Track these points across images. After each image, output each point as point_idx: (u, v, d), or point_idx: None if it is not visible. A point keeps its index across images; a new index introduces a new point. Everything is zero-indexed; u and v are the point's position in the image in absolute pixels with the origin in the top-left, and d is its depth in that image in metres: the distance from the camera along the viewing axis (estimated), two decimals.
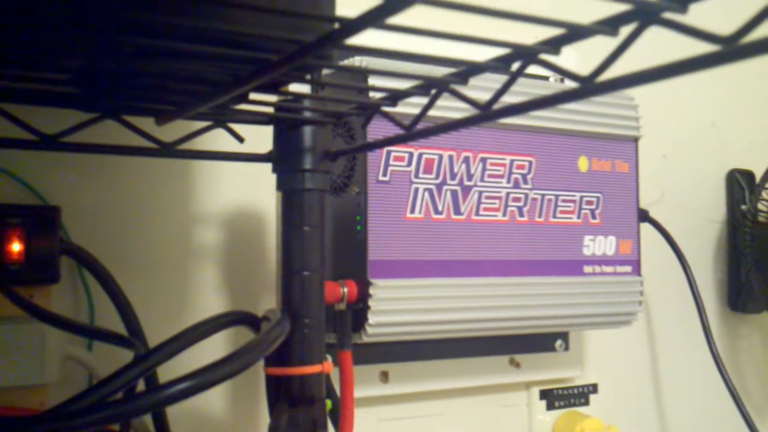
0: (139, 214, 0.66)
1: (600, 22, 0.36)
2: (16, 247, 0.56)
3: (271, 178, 0.56)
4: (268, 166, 0.57)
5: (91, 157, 0.64)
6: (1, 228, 0.55)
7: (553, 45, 0.39)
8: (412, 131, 0.48)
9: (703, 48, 0.31)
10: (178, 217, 0.68)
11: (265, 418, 0.69)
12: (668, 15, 0.34)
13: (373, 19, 0.30)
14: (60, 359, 0.58)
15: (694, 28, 0.32)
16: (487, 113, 0.42)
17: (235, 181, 0.70)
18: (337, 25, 0.32)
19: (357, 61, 0.63)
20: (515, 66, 0.41)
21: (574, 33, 0.37)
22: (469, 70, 0.44)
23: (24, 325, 0.57)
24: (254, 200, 0.71)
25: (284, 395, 0.55)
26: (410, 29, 0.36)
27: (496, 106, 0.42)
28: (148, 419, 0.61)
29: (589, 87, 0.37)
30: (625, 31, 0.35)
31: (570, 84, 0.81)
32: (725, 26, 0.32)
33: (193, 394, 0.42)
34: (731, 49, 0.31)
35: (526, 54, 0.40)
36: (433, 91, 0.46)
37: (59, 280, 0.57)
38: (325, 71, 0.67)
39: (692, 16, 0.34)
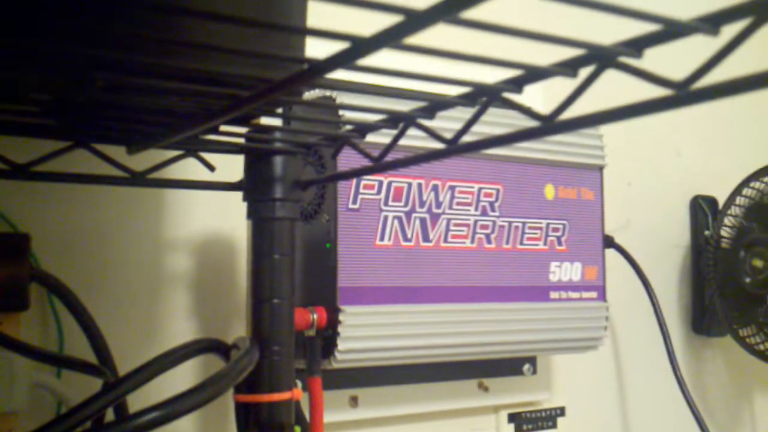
0: (109, 241, 0.67)
1: (559, 64, 0.38)
2: None
3: (242, 206, 0.57)
4: (239, 194, 0.58)
5: (62, 186, 0.64)
6: None
7: (516, 84, 0.40)
8: (380, 163, 0.49)
9: (659, 91, 0.33)
10: (149, 245, 0.68)
11: None
12: (624, 59, 0.35)
13: (341, 61, 0.31)
14: (28, 387, 0.58)
15: (649, 73, 0.34)
16: (452, 148, 0.44)
17: (206, 209, 0.71)
18: (306, 66, 0.33)
19: (327, 95, 0.64)
20: (480, 102, 0.42)
21: (535, 74, 0.39)
22: (435, 105, 0.45)
23: None
24: (225, 228, 0.72)
25: (253, 422, 0.55)
26: (378, 70, 0.37)
27: (462, 141, 0.44)
28: None
29: (549, 126, 0.38)
30: (585, 72, 0.37)
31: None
32: (683, 68, 0.33)
33: (162, 423, 0.42)
34: (683, 94, 0.32)
35: (490, 92, 0.41)
36: (401, 125, 0.47)
37: (28, 307, 0.57)
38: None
39: (648, 60, 0.36)
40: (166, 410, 0.42)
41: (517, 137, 0.40)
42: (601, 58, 0.36)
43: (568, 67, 0.37)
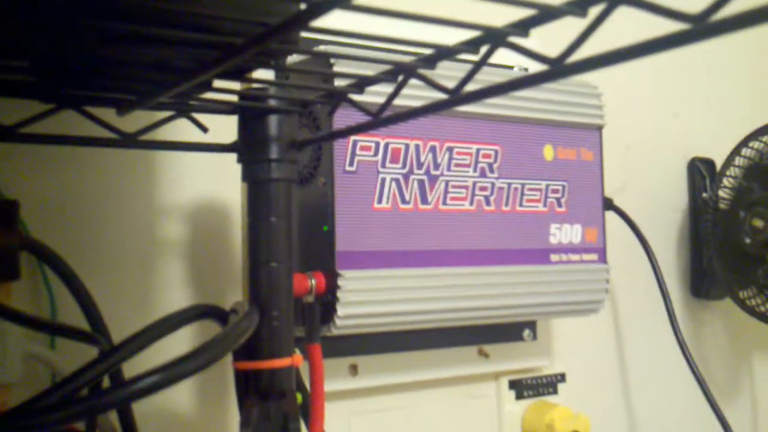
0: (101, 207, 0.65)
1: (569, 3, 0.36)
2: None
3: (236, 169, 0.55)
4: (233, 157, 0.56)
5: (51, 150, 0.62)
6: None
7: (523, 27, 0.39)
8: (380, 117, 0.48)
9: (674, 28, 0.31)
10: (142, 210, 0.67)
11: (234, 414, 0.68)
12: None
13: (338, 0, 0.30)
14: (21, 358, 0.57)
15: (664, 7, 0.32)
16: (455, 98, 0.42)
17: (199, 173, 0.69)
18: (303, 6, 0.31)
19: (323, 47, 0.63)
20: (483, 50, 0.41)
21: (544, 14, 0.37)
22: (437, 55, 0.43)
23: None
24: (219, 192, 0.70)
25: (254, 389, 0.54)
26: (377, 10, 0.35)
27: (464, 91, 0.42)
28: (114, 417, 0.59)
29: (558, 69, 0.36)
30: (594, 13, 0.35)
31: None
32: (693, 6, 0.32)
33: (159, 389, 0.41)
34: (702, 27, 0.31)
35: (495, 36, 0.40)
36: (401, 77, 0.46)
37: (19, 276, 0.56)
38: (290, 59, 0.66)
39: None
40: (164, 375, 0.41)
41: (525, 82, 0.39)
42: None
43: (577, 6, 0.36)
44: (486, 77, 0.68)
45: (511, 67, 0.82)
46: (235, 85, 0.51)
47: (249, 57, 0.37)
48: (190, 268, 0.69)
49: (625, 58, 0.33)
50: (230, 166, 0.56)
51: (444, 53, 0.43)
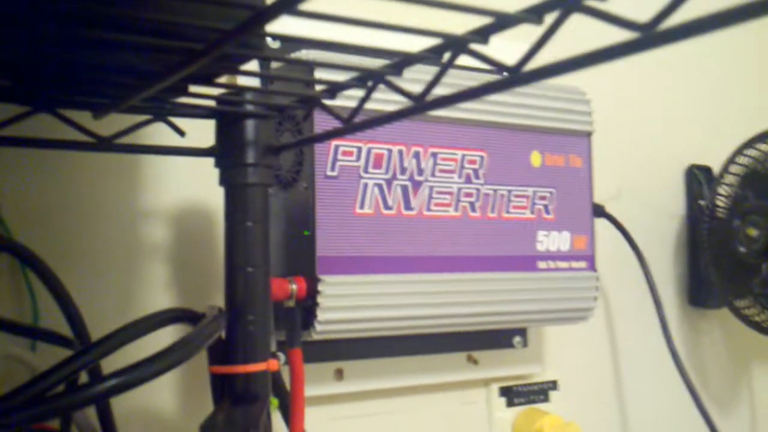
0: (84, 210, 0.65)
1: (525, 10, 0.36)
2: None
3: (217, 173, 0.56)
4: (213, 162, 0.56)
5: (32, 153, 0.62)
6: None
7: (482, 34, 0.39)
8: (351, 123, 0.48)
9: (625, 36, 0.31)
10: (124, 214, 0.67)
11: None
12: (590, 2, 0.33)
13: (287, 4, 0.30)
14: (1, 359, 0.57)
15: (614, 16, 0.32)
16: (420, 104, 0.42)
17: (182, 177, 0.69)
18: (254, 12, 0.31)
19: (298, 54, 0.63)
20: (446, 56, 0.41)
21: (501, 21, 0.37)
22: (403, 61, 0.44)
23: None
24: (202, 196, 0.70)
25: (228, 394, 0.54)
26: (332, 17, 0.35)
27: (430, 98, 0.42)
28: (95, 419, 0.60)
29: (516, 76, 0.37)
30: (551, 20, 0.35)
31: None
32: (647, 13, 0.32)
33: (127, 388, 0.42)
34: (649, 35, 0.31)
35: (457, 44, 0.40)
36: (370, 83, 0.46)
37: None
38: (274, 65, 0.67)
39: (615, 5, 0.34)
40: (130, 375, 0.42)
41: (485, 90, 0.39)
42: (566, 2, 0.34)
43: (533, 14, 0.36)
44: (456, 81, 0.68)
45: (485, 71, 0.82)
46: (213, 90, 0.51)
47: (211, 62, 0.37)
48: (173, 272, 0.69)
49: (579, 66, 0.34)
50: (213, 169, 0.57)
51: (409, 60, 0.43)
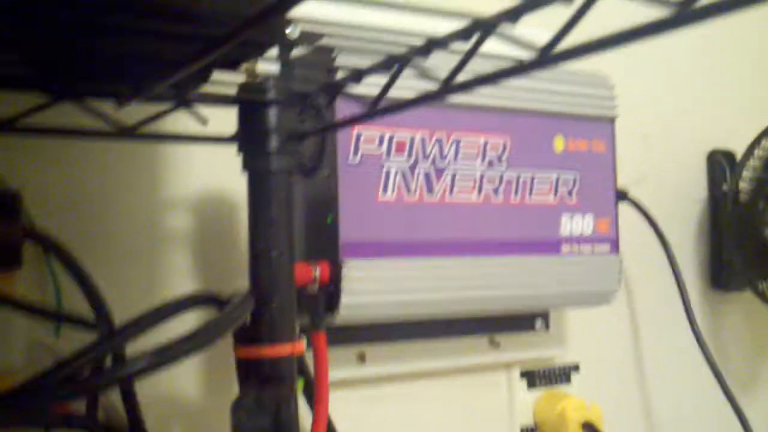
0: (107, 199, 0.65)
1: None
2: None
3: (238, 160, 0.56)
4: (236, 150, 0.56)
5: (54, 143, 0.63)
6: None
7: (512, 15, 0.38)
8: (375, 109, 0.48)
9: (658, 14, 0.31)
10: (146, 202, 0.67)
11: (232, 399, 0.68)
12: None
13: None
14: (26, 346, 0.58)
15: None
16: (447, 88, 0.42)
17: (205, 164, 0.69)
18: None
19: (320, 41, 0.63)
20: (474, 39, 0.40)
21: (533, 2, 0.37)
22: (429, 44, 0.43)
23: None
24: (223, 183, 0.70)
25: (253, 376, 0.54)
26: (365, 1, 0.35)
27: (457, 81, 0.42)
28: (119, 403, 0.60)
29: (546, 57, 0.36)
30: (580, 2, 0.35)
31: None
32: None
33: (153, 370, 0.42)
34: (684, 13, 0.30)
35: (485, 25, 0.39)
36: (395, 68, 0.46)
37: (21, 265, 0.56)
38: (296, 52, 0.66)
39: None
40: (157, 357, 0.42)
41: (513, 72, 0.39)
42: None
43: None
44: (482, 68, 0.67)
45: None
46: (236, 78, 0.51)
47: (235, 48, 0.37)
48: (195, 259, 0.69)
49: (611, 44, 0.33)
50: (234, 156, 0.57)
51: (436, 43, 0.43)
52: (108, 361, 0.53)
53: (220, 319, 0.44)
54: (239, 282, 0.70)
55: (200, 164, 0.69)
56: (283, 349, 0.54)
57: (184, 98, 0.53)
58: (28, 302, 0.55)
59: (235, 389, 0.68)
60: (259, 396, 0.52)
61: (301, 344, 0.56)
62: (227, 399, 0.68)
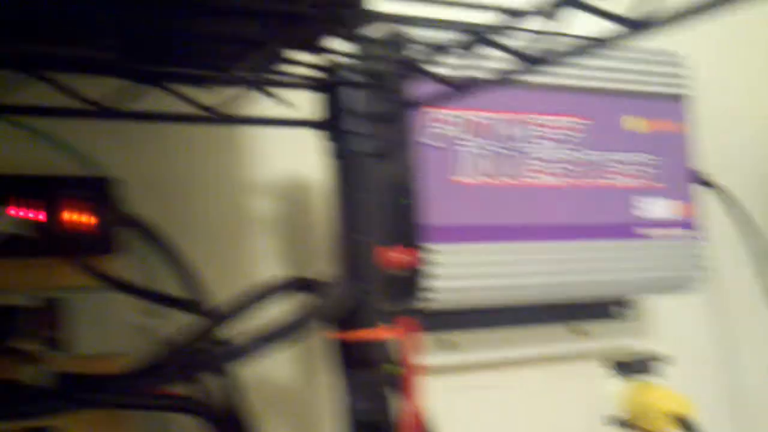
0: (191, 184, 0.67)
1: None
2: (83, 218, 0.57)
3: (320, 144, 0.56)
4: (314, 133, 0.57)
5: (142, 131, 0.64)
6: (68, 200, 0.56)
7: None
8: (457, 86, 0.48)
9: None
10: (227, 186, 0.68)
11: (324, 382, 0.68)
12: None
13: None
14: (132, 329, 0.59)
15: None
16: (530, 64, 0.42)
17: (285, 149, 0.70)
18: None
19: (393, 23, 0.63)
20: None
21: None
22: (510, 20, 0.43)
23: (95, 294, 0.58)
24: (300, 167, 0.71)
25: (345, 360, 0.55)
26: None
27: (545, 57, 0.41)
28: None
29: (636, 25, 0.36)
30: None
31: None
32: None
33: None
34: None
35: (572, 2, 0.39)
36: (474, 46, 0.45)
37: (115, 250, 0.58)
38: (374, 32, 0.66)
39: None
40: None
41: (600, 44, 0.38)
42: None
43: None
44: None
45: None
46: (316, 61, 0.52)
47: (319, 26, 0.37)
48: (276, 242, 0.70)
49: (702, 11, 0.33)
50: (311, 140, 0.57)
51: (518, 17, 0.42)
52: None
53: (318, 306, 0.46)
54: (315, 264, 0.70)
55: (279, 148, 0.70)
56: (373, 333, 0.54)
57: (267, 83, 0.54)
58: (133, 285, 0.57)
59: (320, 367, 0.69)
60: (356, 380, 0.53)
61: (389, 329, 0.57)
62: (315, 380, 0.68)
